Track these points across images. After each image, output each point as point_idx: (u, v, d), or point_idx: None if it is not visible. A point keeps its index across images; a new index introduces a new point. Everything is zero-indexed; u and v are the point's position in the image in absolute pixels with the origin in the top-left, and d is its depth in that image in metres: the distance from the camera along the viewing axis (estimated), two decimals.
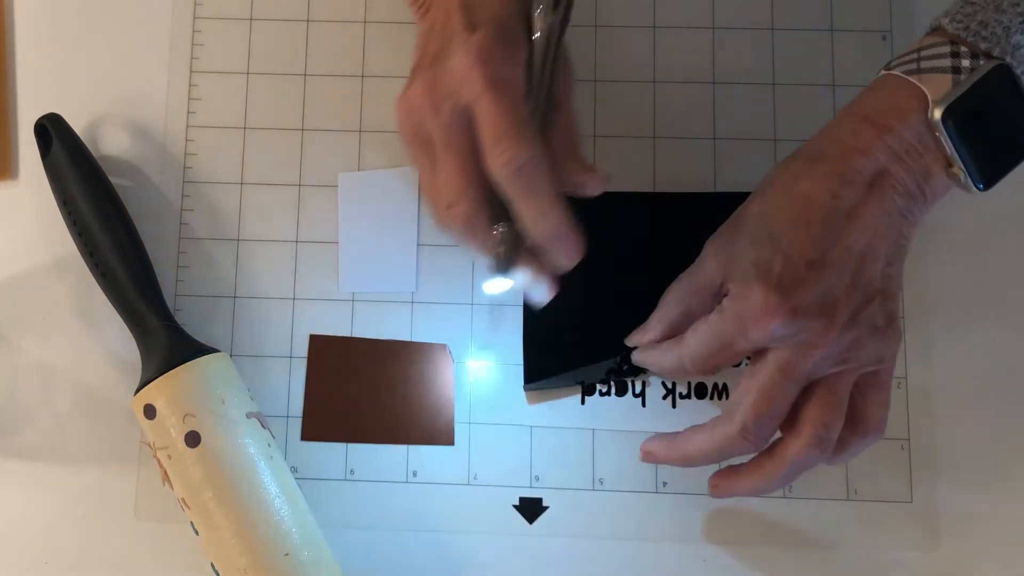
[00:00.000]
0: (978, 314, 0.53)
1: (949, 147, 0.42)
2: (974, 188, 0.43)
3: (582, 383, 0.52)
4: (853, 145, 0.43)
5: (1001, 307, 0.53)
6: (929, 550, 0.51)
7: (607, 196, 0.52)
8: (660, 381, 0.52)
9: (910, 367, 0.52)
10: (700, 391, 0.52)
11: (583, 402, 0.52)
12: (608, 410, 0.52)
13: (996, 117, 0.43)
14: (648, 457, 0.49)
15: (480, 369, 0.53)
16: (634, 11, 0.56)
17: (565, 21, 0.46)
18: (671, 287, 0.49)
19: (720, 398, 0.52)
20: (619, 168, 0.54)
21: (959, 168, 0.43)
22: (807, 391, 0.44)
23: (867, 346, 0.43)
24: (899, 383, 0.52)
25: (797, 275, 0.42)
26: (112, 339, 0.53)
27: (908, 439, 0.52)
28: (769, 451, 0.45)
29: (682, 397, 0.52)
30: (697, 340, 0.45)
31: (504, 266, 0.45)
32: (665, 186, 0.54)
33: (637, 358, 0.50)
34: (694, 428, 0.47)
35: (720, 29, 0.56)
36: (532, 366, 0.53)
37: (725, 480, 0.48)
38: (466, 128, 0.43)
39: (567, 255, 0.44)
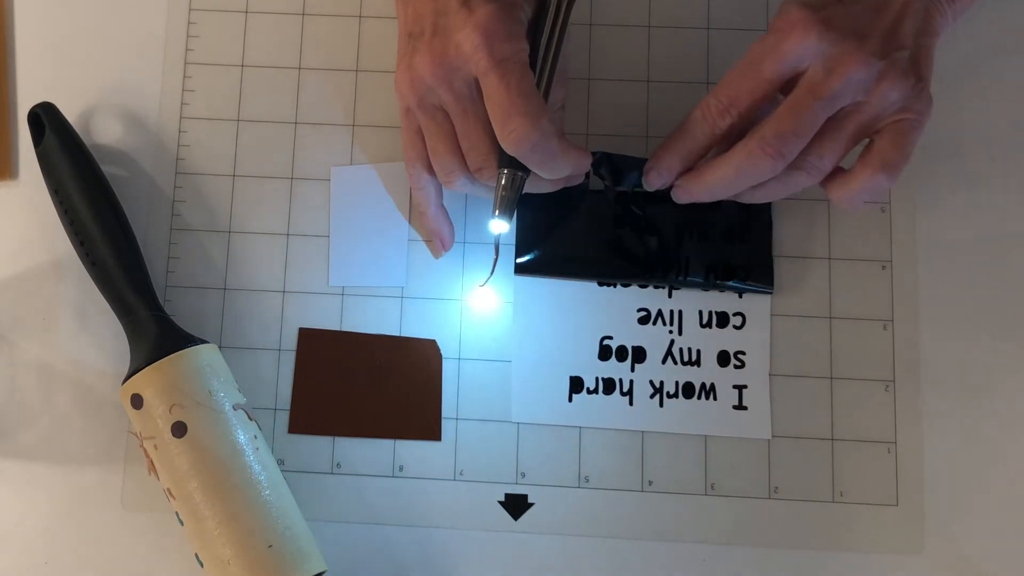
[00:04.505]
0: (967, 319, 0.53)
1: None
2: None
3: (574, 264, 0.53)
4: None
5: (990, 313, 0.53)
6: (914, 553, 0.51)
7: (601, 192, 0.53)
8: (648, 379, 0.52)
9: (898, 372, 0.52)
10: (688, 390, 0.52)
11: (570, 399, 0.52)
12: (595, 408, 0.52)
13: None
14: (680, 192, 0.49)
15: (468, 364, 0.53)
16: (629, 10, 0.56)
17: None
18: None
19: (707, 398, 0.52)
20: None
21: None
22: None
23: (895, 85, 0.44)
24: (887, 386, 0.52)
25: (829, 3, 0.44)
26: (112, 339, 0.53)
27: (895, 442, 0.52)
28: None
29: (670, 396, 0.52)
30: (730, 70, 0.46)
31: (509, 207, 0.47)
32: None
33: (658, 160, 0.49)
34: (716, 157, 0.47)
35: (715, 29, 0.56)
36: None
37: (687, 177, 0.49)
38: (480, 98, 0.45)
39: (577, 182, 0.50)
